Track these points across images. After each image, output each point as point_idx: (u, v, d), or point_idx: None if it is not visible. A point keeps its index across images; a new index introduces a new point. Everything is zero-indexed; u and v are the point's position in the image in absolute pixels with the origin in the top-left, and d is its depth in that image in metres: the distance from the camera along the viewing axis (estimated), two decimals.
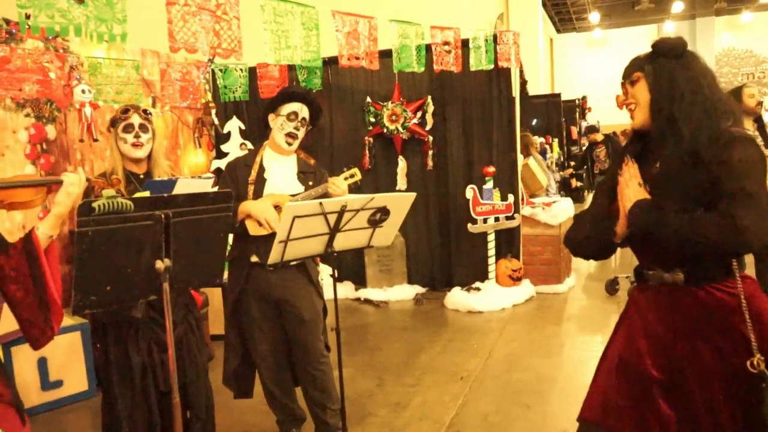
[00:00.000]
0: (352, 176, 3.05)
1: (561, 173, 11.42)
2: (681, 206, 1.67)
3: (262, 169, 2.99)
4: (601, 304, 5.73)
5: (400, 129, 6.14)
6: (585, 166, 12.89)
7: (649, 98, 1.81)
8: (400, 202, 2.66)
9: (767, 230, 1.57)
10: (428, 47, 5.30)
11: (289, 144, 2.96)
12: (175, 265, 1.89)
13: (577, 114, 15.01)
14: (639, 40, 21.42)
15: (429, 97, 6.16)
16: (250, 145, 6.18)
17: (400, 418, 3.53)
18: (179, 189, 2.38)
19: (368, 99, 6.28)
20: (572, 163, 13.39)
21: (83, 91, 4.21)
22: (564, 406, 3.55)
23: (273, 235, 2.50)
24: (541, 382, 3.95)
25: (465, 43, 5.49)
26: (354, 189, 3.06)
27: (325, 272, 5.61)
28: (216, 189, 3.06)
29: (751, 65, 18.94)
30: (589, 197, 13.48)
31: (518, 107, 6.10)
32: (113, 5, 2.55)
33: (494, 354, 4.50)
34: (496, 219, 5.88)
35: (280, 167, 3.01)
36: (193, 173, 5.99)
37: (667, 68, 1.79)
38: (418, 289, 6.34)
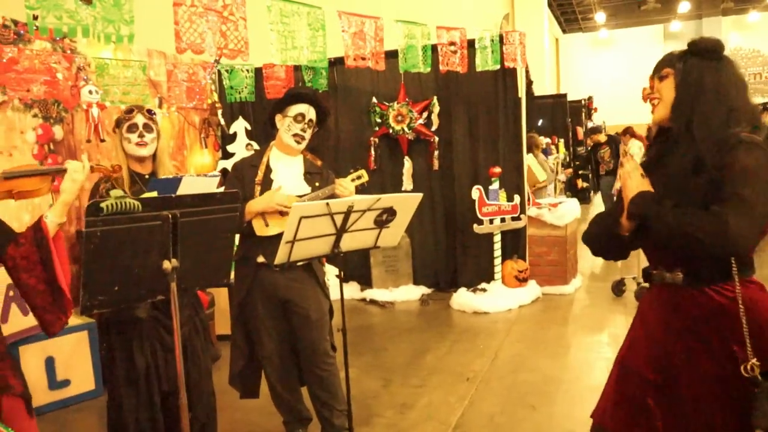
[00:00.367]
0: (359, 177, 3.05)
1: (563, 173, 11.40)
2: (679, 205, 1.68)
3: (268, 169, 2.99)
4: (607, 305, 5.71)
5: (406, 129, 6.14)
6: (589, 167, 12.87)
7: (673, 96, 1.80)
8: (406, 202, 2.65)
9: (754, 236, 1.59)
10: (434, 47, 5.30)
11: (298, 143, 2.97)
12: (183, 265, 1.89)
13: (583, 114, 14.97)
14: (645, 40, 21.36)
15: (435, 98, 6.15)
16: (256, 146, 6.18)
17: (406, 419, 3.52)
18: (184, 187, 2.38)
19: (374, 99, 6.28)
20: (577, 163, 13.38)
21: (90, 92, 4.23)
22: (570, 407, 3.54)
23: (279, 235, 2.50)
24: (548, 383, 3.94)
25: (471, 44, 5.48)
26: (361, 190, 3.06)
27: (330, 273, 5.61)
28: (221, 188, 3.07)
29: (759, 65, 18.84)
30: (595, 198, 13.46)
31: (524, 108, 6.09)
32: (121, 6, 2.56)
33: (500, 355, 4.49)
34: (502, 220, 5.87)
35: (286, 168, 3.01)
36: (199, 173, 6.00)
37: (698, 69, 1.77)
38: (423, 290, 6.34)
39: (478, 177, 6.06)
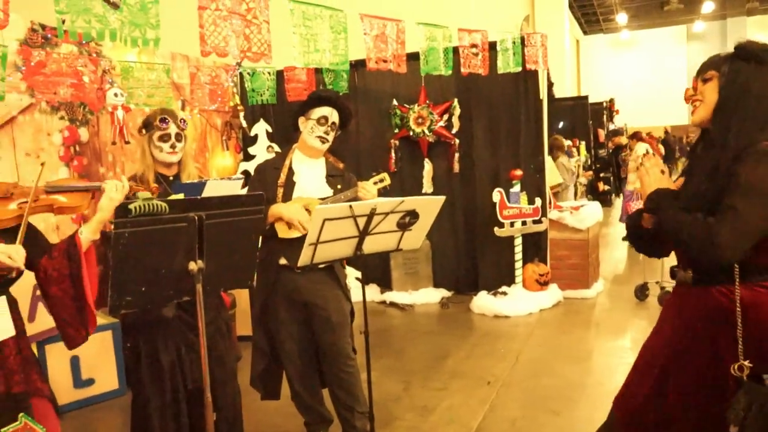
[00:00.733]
0: (381, 181, 3.05)
1: (584, 176, 11.32)
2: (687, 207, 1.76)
3: (291, 172, 3.00)
4: (630, 309, 5.65)
5: (426, 132, 6.13)
6: (611, 170, 12.75)
7: (716, 99, 1.80)
8: (429, 205, 2.65)
9: (742, 250, 1.64)
10: (455, 50, 5.28)
11: (323, 142, 2.98)
12: (208, 266, 1.90)
13: (605, 116, 14.83)
14: (668, 41, 21.14)
15: (455, 100, 6.13)
16: (276, 148, 6.22)
17: (427, 422, 3.51)
18: (209, 191, 2.41)
19: (394, 102, 6.28)
20: (598, 166, 13.26)
21: (116, 95, 4.28)
22: (593, 412, 3.49)
23: (302, 238, 2.51)
24: (570, 388, 3.90)
25: (492, 46, 5.46)
26: (382, 194, 3.06)
27: (350, 275, 5.62)
28: (245, 191, 3.09)
29: None
30: (616, 201, 13.32)
31: (546, 110, 6.05)
32: (147, 10, 2.59)
33: (521, 359, 4.46)
34: (523, 223, 5.83)
35: (309, 170, 3.02)
36: (220, 175, 6.05)
37: (744, 73, 1.76)
38: (443, 293, 6.32)
39: (498, 180, 6.03)
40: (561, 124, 12.43)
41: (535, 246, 6.04)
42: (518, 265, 5.91)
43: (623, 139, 9.99)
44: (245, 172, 6.13)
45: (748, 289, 1.70)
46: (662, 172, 1.88)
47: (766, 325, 1.68)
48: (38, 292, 3.65)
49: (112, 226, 1.80)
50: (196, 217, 1.85)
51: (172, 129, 2.60)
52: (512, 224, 5.77)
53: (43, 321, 3.68)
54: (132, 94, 4.54)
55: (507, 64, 5.47)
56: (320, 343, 3.04)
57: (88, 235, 2.02)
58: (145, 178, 2.58)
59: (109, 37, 2.51)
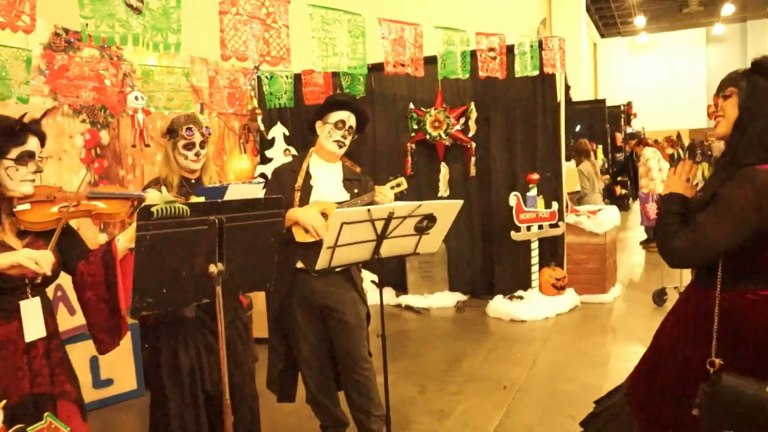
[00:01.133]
0: (398, 185, 3.05)
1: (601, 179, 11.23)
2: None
3: (308, 176, 3.01)
4: (648, 315, 5.59)
5: (443, 135, 6.13)
6: (628, 173, 12.65)
7: (736, 115, 1.89)
8: (446, 209, 2.65)
9: (692, 261, 1.91)
10: (473, 53, 5.28)
11: (340, 146, 2.99)
12: (228, 269, 1.92)
13: (622, 120, 14.72)
14: (687, 43, 20.94)
15: (472, 104, 6.13)
16: (293, 151, 6.25)
17: (442, 426, 3.51)
18: (230, 195, 2.43)
19: (411, 105, 6.29)
20: (614, 170, 13.16)
21: (136, 98, 4.34)
22: None
23: (318, 242, 2.52)
24: (587, 393, 3.86)
25: (510, 49, 5.45)
26: (399, 198, 3.06)
27: (366, 278, 5.63)
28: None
29: None
30: (633, 205, 13.20)
31: (563, 113, 6.02)
32: (169, 15, 2.63)
33: (538, 363, 4.44)
34: (540, 227, 5.80)
35: (326, 174, 3.04)
36: (238, 178, 6.10)
37: (762, 88, 1.83)
38: (459, 296, 6.31)
39: (515, 183, 6.01)
40: (578, 128, 12.36)
41: (552, 250, 6.01)
42: (534, 269, 5.89)
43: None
44: (262, 175, 6.17)
45: (737, 296, 1.85)
46: (687, 180, 1.99)
47: (740, 330, 1.84)
48: (59, 293, 3.72)
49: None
50: (217, 220, 1.87)
51: (197, 138, 2.64)
52: (529, 228, 5.75)
53: (64, 322, 3.73)
54: (152, 98, 4.59)
55: (524, 68, 5.46)
56: (336, 347, 3.05)
57: (124, 243, 2.05)
58: (168, 182, 2.62)
59: (132, 42, 2.55)
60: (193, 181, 2.68)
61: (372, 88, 6.41)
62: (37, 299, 1.96)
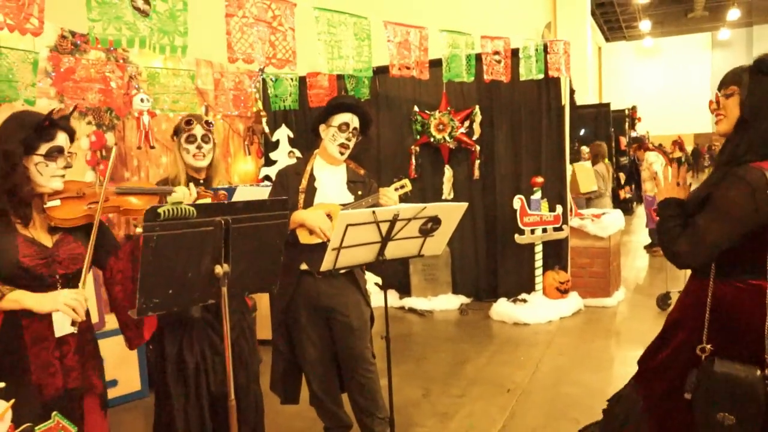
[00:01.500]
0: (402, 187, 3.05)
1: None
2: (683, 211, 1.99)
3: (312, 178, 3.01)
4: (652, 319, 5.58)
5: (447, 138, 6.13)
6: (632, 177, 12.62)
7: (738, 114, 1.91)
8: (451, 211, 2.65)
9: (698, 260, 1.91)
10: (478, 57, 5.29)
11: (342, 153, 2.99)
12: (234, 270, 1.93)
13: (626, 124, 14.70)
14: (692, 48, 20.92)
15: (477, 107, 6.13)
16: (298, 153, 6.27)
17: (446, 428, 3.50)
18: (238, 196, 2.44)
19: (415, 108, 6.30)
20: (619, 174, 13.14)
21: (142, 100, 4.36)
22: None
23: (323, 244, 2.53)
24: (591, 396, 3.86)
25: (515, 53, 5.46)
26: (403, 200, 3.06)
27: (369, 281, 5.63)
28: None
29: None
30: (638, 209, 13.17)
31: (568, 117, 6.02)
32: (176, 18, 2.64)
33: (541, 367, 4.43)
34: (544, 230, 5.80)
35: (330, 177, 3.04)
36: (242, 180, 6.12)
37: (763, 87, 1.84)
38: (462, 299, 6.31)
39: (519, 186, 6.01)
40: (582, 131, 12.34)
41: (556, 253, 6.01)
42: (538, 272, 5.88)
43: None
44: (267, 177, 6.19)
45: (729, 285, 1.91)
46: (678, 184, 2.05)
47: (731, 318, 1.90)
48: None
49: (139, 230, 1.85)
50: (223, 221, 1.87)
51: (198, 131, 2.65)
52: (533, 231, 5.75)
53: None
54: (158, 100, 4.62)
55: (529, 71, 5.47)
56: (340, 349, 3.05)
57: None
58: (177, 181, 2.63)
59: (139, 45, 2.56)
60: (201, 181, 2.69)
61: (377, 91, 6.42)
62: None
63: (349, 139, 2.99)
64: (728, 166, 1.88)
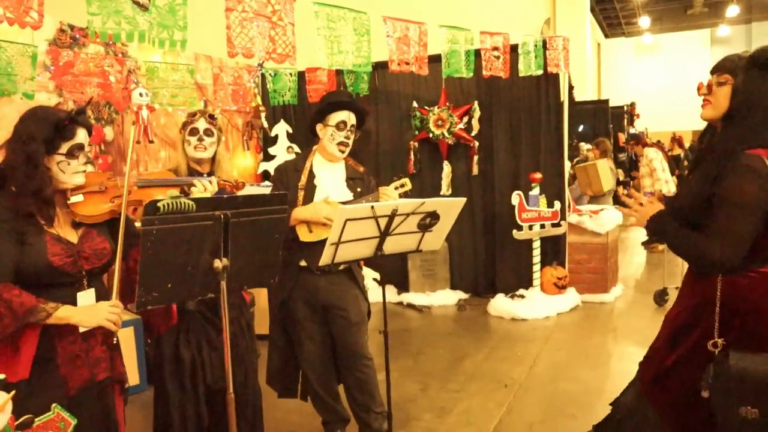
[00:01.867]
0: (402, 186, 3.06)
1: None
2: (678, 215, 1.96)
3: (311, 175, 3.01)
4: (649, 315, 5.60)
5: (446, 134, 6.13)
6: (630, 173, 12.63)
7: (726, 106, 1.89)
8: (450, 207, 2.66)
9: (736, 257, 1.82)
10: (477, 52, 5.29)
11: (342, 152, 3.00)
12: (233, 264, 1.93)
13: (625, 120, 14.70)
14: (691, 45, 20.86)
15: (476, 103, 6.13)
16: (296, 148, 6.27)
17: (444, 423, 3.52)
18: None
19: (414, 104, 6.29)
20: (619, 171, 13.15)
21: (141, 95, 4.35)
22: None
23: (322, 242, 2.53)
24: (588, 392, 3.88)
25: (514, 49, 5.45)
26: (403, 198, 3.07)
27: (367, 276, 5.64)
28: None
29: None
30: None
31: (566, 113, 6.03)
32: (175, 12, 2.64)
33: (539, 362, 4.45)
34: (542, 226, 5.81)
35: (330, 174, 3.04)
36: (241, 175, 6.11)
37: (757, 83, 1.83)
38: (460, 295, 6.32)
39: (518, 182, 6.02)
40: (581, 128, 12.34)
41: (554, 249, 6.02)
42: (536, 268, 5.89)
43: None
44: (265, 172, 6.19)
45: (742, 277, 1.87)
46: (641, 204, 2.08)
47: (743, 308, 1.87)
48: None
49: (138, 224, 1.86)
50: (222, 216, 1.88)
51: (201, 124, 2.66)
52: (531, 227, 5.76)
53: None
54: (156, 94, 4.61)
55: (528, 67, 5.47)
56: (338, 344, 3.06)
57: None
58: (178, 173, 2.65)
59: (138, 39, 2.56)
60: (204, 175, 2.69)
61: (376, 86, 6.41)
62: (92, 290, 1.99)
63: (348, 137, 2.99)
64: (723, 161, 1.85)
